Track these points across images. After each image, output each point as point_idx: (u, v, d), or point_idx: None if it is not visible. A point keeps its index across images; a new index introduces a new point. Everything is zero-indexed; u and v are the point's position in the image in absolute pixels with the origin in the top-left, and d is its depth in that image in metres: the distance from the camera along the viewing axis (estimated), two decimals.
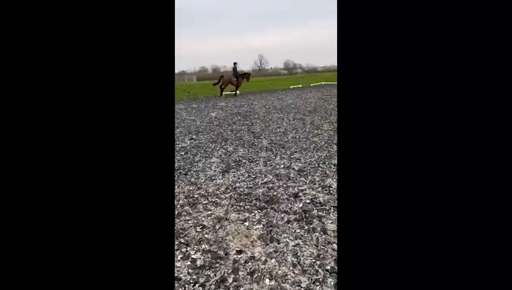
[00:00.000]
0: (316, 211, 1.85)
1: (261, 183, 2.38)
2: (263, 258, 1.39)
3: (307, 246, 1.47)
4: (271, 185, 2.33)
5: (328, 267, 1.30)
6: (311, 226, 1.67)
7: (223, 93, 11.31)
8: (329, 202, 1.97)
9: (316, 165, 2.76)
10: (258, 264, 1.35)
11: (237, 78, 11.11)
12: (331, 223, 1.69)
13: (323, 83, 16.95)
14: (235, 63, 11.29)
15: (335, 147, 3.33)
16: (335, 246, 1.46)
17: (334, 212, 1.82)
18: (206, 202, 2.08)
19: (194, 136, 4.34)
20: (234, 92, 11.29)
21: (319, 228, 1.63)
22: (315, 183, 2.31)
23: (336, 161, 2.81)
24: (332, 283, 1.20)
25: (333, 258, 1.37)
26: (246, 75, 11.34)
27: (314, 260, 1.36)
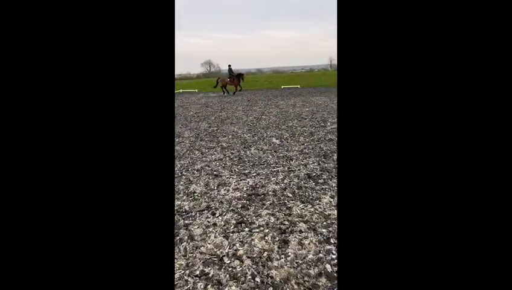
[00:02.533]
0: (182, 220, 1.82)
1: None
2: None
3: (175, 260, 1.42)
4: None
5: (197, 272, 1.32)
6: (178, 237, 1.63)
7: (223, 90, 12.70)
8: (194, 207, 2.00)
9: (180, 173, 2.72)
10: None
11: (232, 77, 12.25)
12: (197, 227, 1.72)
13: (181, 90, 16.95)
14: (229, 65, 12.46)
15: (197, 152, 3.42)
16: (203, 249, 1.51)
17: (199, 217, 1.87)
18: None
19: None
20: (234, 92, 12.76)
21: (186, 237, 1.62)
22: (180, 193, 2.27)
23: (198, 166, 2.89)
24: (202, 286, 1.23)
25: (201, 261, 1.40)
26: (240, 76, 12.45)
27: (183, 271, 1.33)
